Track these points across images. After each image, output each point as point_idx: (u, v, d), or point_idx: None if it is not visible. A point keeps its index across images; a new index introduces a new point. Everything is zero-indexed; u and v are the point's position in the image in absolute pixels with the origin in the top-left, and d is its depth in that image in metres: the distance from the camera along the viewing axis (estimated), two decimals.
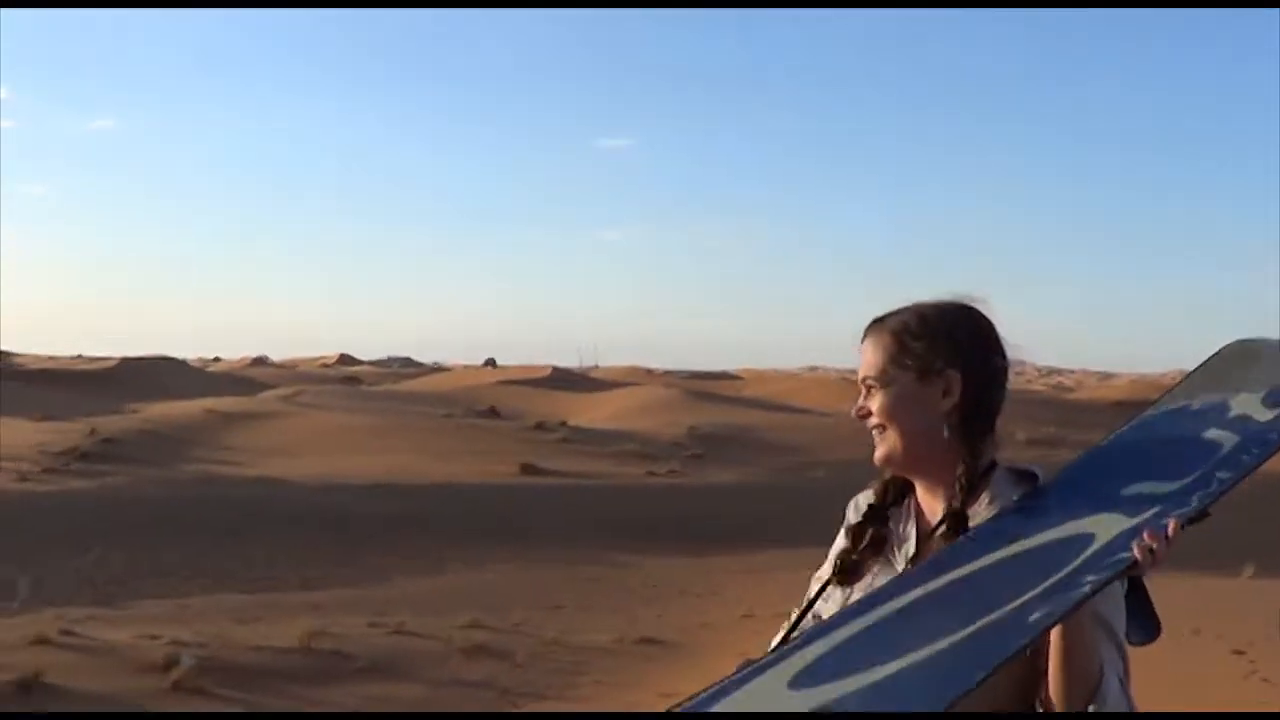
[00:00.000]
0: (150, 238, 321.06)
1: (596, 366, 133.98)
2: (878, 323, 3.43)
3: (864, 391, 3.41)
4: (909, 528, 3.37)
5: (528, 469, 46.01)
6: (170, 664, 20.81)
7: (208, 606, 25.98)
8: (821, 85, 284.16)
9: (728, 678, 2.99)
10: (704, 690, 2.97)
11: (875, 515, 3.43)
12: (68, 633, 22.64)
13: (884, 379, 3.34)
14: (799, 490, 43.10)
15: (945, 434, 3.28)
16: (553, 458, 48.97)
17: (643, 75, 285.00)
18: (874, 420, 3.36)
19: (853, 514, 3.49)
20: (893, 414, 3.32)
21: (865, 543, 3.39)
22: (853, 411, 3.42)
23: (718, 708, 2.90)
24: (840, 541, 3.48)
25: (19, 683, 19.77)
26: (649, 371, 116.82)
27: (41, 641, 22.00)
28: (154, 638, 22.53)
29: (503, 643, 23.61)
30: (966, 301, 3.41)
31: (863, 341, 3.44)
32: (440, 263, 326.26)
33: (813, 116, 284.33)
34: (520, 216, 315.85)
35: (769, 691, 2.88)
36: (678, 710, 2.96)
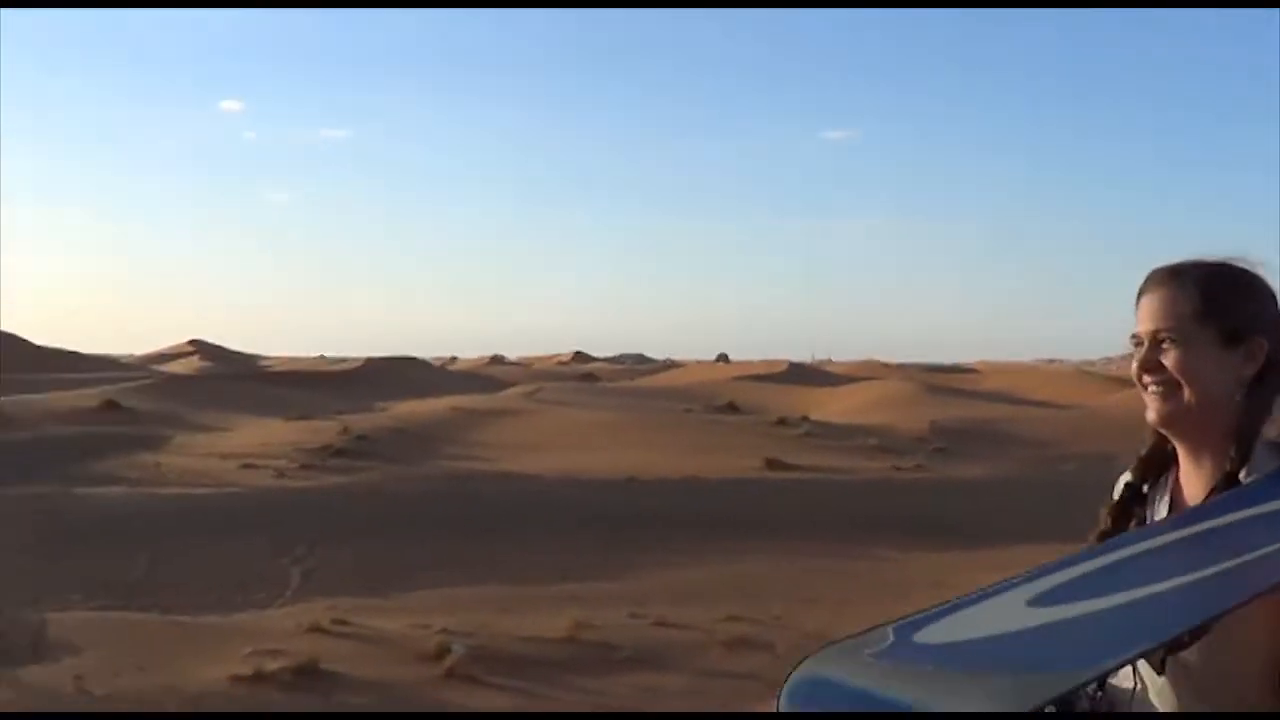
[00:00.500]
0: (384, 241, 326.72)
1: (830, 360, 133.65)
2: (1174, 274, 3.18)
3: (1148, 345, 3.17)
4: (1162, 504, 3.25)
5: (773, 464, 45.98)
6: (442, 653, 21.20)
7: (472, 598, 26.33)
8: (1052, 74, 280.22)
9: (968, 594, 2.97)
10: (942, 603, 2.95)
11: (1136, 495, 3.30)
12: (340, 622, 23.15)
13: (1183, 334, 3.12)
14: (1049, 484, 42.54)
15: (1239, 399, 3.11)
16: (797, 453, 48.92)
17: (867, 67, 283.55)
18: (1164, 375, 3.14)
19: (1117, 493, 3.36)
20: (1194, 372, 3.11)
21: (1130, 526, 3.27)
22: (1135, 364, 3.19)
23: (953, 618, 2.89)
24: (1102, 521, 3.32)
25: (297, 669, 20.28)
26: (884, 365, 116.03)
27: (316, 630, 22.54)
28: (424, 627, 22.94)
29: (763, 635, 23.62)
30: (1250, 265, 3.20)
31: (1148, 292, 3.19)
32: (668, 259, 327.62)
33: (1049, 103, 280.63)
34: (746, 211, 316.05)
35: (1006, 607, 2.86)
36: (911, 619, 2.93)
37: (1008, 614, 2.84)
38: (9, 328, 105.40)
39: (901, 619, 2.91)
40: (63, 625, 23.88)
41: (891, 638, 2.85)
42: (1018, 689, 2.62)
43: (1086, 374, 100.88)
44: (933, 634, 2.86)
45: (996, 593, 2.94)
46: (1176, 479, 3.25)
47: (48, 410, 59.49)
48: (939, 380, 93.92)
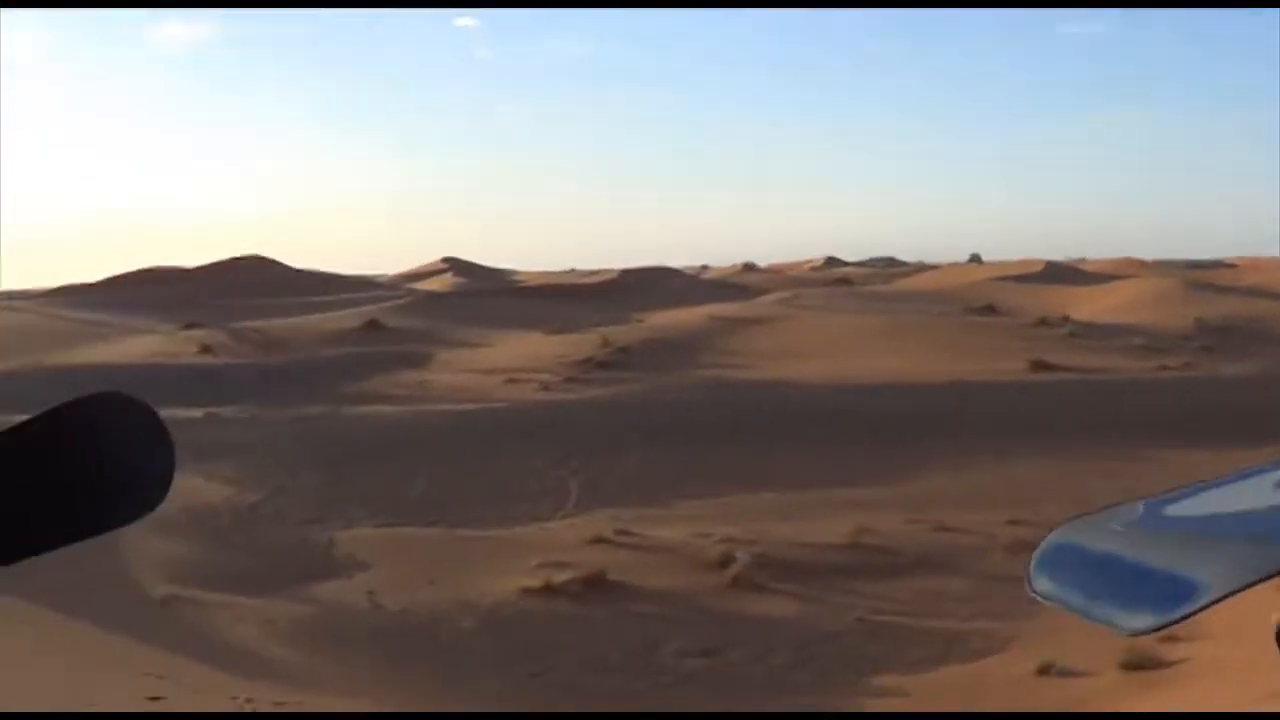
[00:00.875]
0: (628, 152, 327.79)
1: (1084, 259, 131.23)
2: None
3: None
4: None
5: (1038, 365, 45.37)
6: (726, 561, 21.36)
7: (748, 505, 26.43)
8: None
9: (1219, 477, 3.00)
10: (1192, 482, 2.99)
11: None
12: (623, 532, 23.42)
13: None
14: None
15: None
16: (1061, 353, 48.20)
17: None
18: None
19: None
20: None
21: None
22: None
23: (1204, 495, 2.88)
24: None
25: (586, 580, 20.58)
26: (1141, 263, 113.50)
27: (600, 541, 22.85)
28: (705, 535, 23.12)
29: (1044, 538, 23.39)
30: None
31: None
32: (918, 160, 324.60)
33: None
34: (987, 110, 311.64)
35: (1257, 488, 2.90)
36: (1161, 496, 2.99)
37: (1258, 494, 2.89)
38: (266, 252, 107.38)
39: (1151, 496, 3.00)
40: (351, 542, 24.49)
41: (1141, 510, 2.96)
42: (1261, 555, 2.67)
43: None
44: (1182, 508, 2.96)
45: (1248, 475, 3.00)
46: None
47: (313, 332, 60.70)
48: (1199, 276, 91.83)
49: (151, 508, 4.00)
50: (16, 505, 3.96)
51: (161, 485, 4.05)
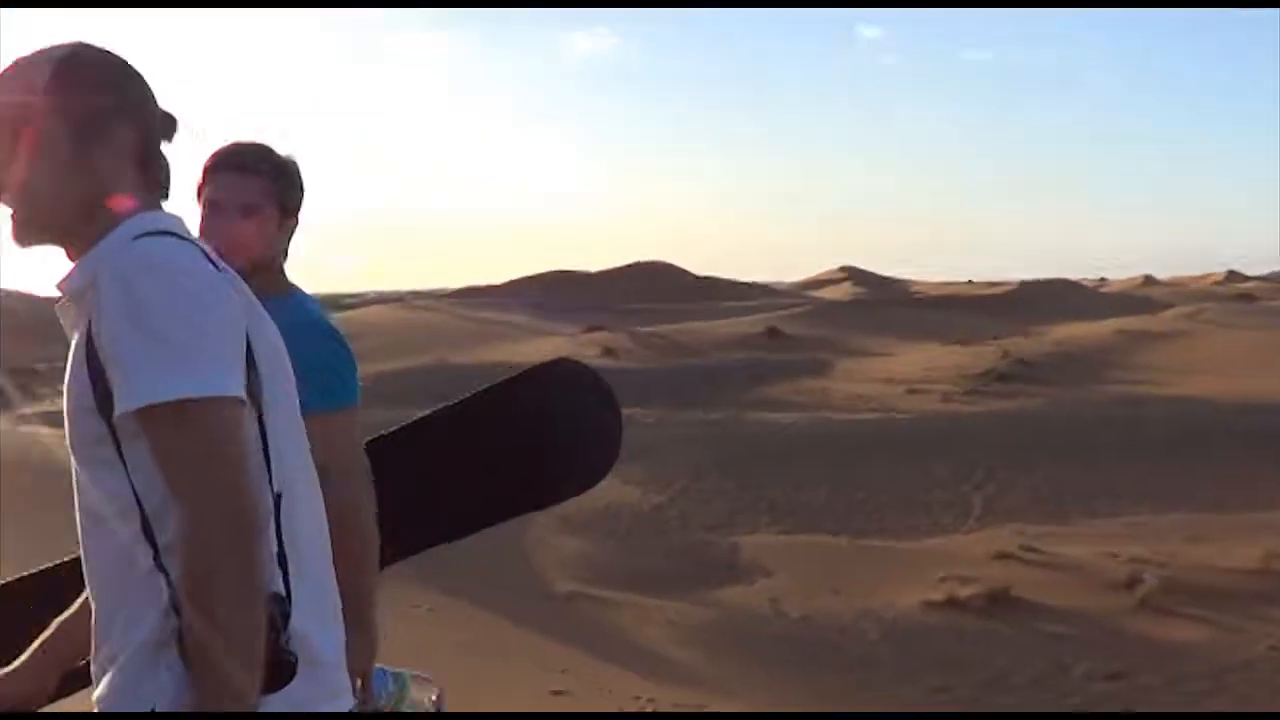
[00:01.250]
0: (1028, 161, 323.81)
1: None
2: None
3: None
4: None
5: None
6: (1133, 582, 21.05)
7: (1158, 525, 25.93)
8: None
9: None
10: None
11: None
12: (1028, 549, 23.23)
13: None
14: None
15: None
16: None
17: None
18: None
19: None
20: None
21: None
22: None
23: None
24: None
25: (989, 595, 20.51)
26: None
27: (1003, 556, 22.70)
28: (1112, 555, 22.77)
29: None
30: None
31: None
32: None
33: None
34: None
35: None
36: None
37: None
38: (669, 259, 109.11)
39: None
40: (754, 547, 24.82)
41: None
42: None
43: None
44: None
45: None
46: None
47: (715, 337, 61.49)
48: None
49: (603, 473, 4.24)
50: (478, 471, 4.21)
51: (610, 450, 4.28)
